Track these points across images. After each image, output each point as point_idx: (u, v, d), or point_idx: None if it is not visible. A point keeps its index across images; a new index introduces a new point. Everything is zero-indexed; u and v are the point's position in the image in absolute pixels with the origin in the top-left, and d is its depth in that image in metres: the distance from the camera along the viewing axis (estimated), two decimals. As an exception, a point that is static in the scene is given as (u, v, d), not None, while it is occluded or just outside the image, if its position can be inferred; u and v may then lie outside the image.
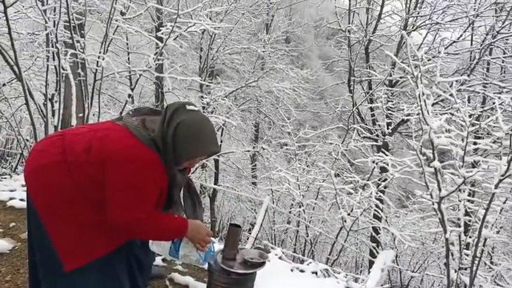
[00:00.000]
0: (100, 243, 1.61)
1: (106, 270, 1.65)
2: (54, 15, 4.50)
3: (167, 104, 1.72)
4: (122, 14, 5.73)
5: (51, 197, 1.55)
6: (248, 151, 11.00)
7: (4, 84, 5.99)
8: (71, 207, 1.55)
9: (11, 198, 3.75)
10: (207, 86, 9.52)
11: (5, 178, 5.11)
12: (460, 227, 3.31)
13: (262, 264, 1.97)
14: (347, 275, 3.98)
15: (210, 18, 8.77)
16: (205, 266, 1.98)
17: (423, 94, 3.04)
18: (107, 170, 1.52)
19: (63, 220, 1.55)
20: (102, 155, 1.53)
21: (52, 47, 4.44)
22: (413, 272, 7.47)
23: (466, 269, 3.25)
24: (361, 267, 9.31)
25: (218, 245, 2.05)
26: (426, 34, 8.33)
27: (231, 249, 1.97)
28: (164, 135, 1.60)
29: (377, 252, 5.97)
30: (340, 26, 8.98)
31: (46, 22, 4.27)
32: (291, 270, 3.39)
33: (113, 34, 5.37)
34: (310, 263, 3.77)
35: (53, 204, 1.55)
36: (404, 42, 7.81)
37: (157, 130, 1.60)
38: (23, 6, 4.92)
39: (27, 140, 6.39)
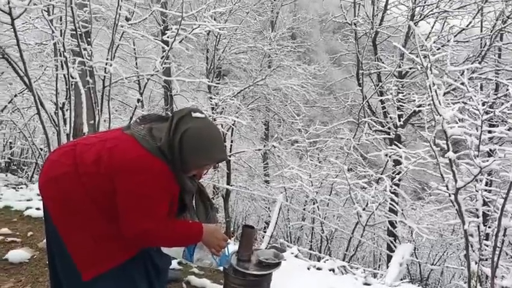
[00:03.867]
0: (116, 252, 1.61)
1: (125, 278, 1.65)
2: (61, 24, 4.55)
3: (173, 112, 1.70)
4: (127, 19, 5.76)
5: (65, 208, 1.56)
6: (259, 150, 11.00)
7: (16, 95, 6.10)
8: (85, 217, 1.56)
9: (27, 208, 3.80)
10: (215, 86, 9.55)
11: (21, 188, 5.19)
12: (478, 217, 3.25)
13: (277, 264, 1.95)
14: (364, 270, 3.95)
15: (215, 19, 8.78)
16: (221, 268, 1.97)
17: (433, 84, 2.99)
18: (118, 181, 1.52)
19: (78, 230, 1.56)
20: (111, 166, 1.53)
21: (60, 56, 4.49)
22: (432, 264, 7.39)
23: (486, 260, 3.19)
24: (379, 261, 9.23)
25: (233, 247, 2.04)
26: (434, 23, 8.21)
27: (246, 250, 1.95)
28: (171, 144, 1.58)
29: (395, 246, 5.92)
30: (346, 19, 8.90)
31: (53, 31, 4.31)
32: (308, 269, 3.36)
33: (120, 40, 5.41)
34: (327, 260, 3.74)
35: (68, 215, 1.56)
36: (411, 33, 7.70)
37: (164, 139, 1.58)
38: (30, 17, 4.99)
39: (41, 149, 6.49)
